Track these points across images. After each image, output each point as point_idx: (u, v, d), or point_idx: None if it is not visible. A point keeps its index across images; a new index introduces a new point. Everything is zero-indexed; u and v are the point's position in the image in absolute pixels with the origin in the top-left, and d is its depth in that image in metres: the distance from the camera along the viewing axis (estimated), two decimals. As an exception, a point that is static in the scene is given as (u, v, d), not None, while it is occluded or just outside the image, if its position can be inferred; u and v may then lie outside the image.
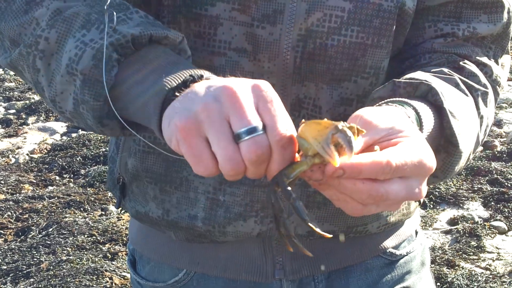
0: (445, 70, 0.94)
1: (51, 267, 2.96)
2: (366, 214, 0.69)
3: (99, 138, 4.61)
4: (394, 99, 0.83)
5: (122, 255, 3.11)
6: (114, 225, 3.41)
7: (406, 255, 1.18)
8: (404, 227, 1.17)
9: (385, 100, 0.83)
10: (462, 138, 0.85)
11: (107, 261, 3.04)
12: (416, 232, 1.22)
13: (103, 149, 4.44)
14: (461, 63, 0.97)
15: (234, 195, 1.00)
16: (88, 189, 3.91)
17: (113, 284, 2.85)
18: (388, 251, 1.15)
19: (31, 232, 3.33)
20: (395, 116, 0.74)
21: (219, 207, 1.01)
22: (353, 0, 0.91)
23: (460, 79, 0.94)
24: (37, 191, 3.86)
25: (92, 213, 3.59)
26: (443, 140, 0.86)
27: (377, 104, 0.82)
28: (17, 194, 3.80)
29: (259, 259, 1.07)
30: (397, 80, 0.87)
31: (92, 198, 3.75)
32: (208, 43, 0.94)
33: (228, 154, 0.66)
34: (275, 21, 0.92)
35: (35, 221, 3.44)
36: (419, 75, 0.89)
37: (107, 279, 2.87)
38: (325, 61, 0.93)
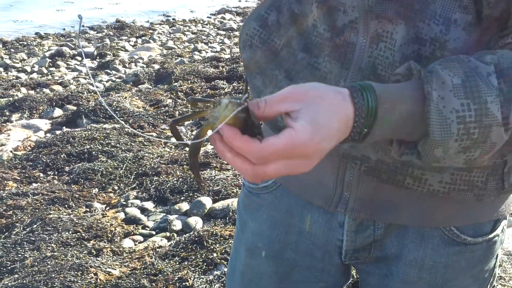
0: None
1: (36, 263, 2.95)
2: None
3: (83, 135, 4.60)
4: (379, 84, 0.89)
5: (107, 251, 3.11)
6: (99, 221, 3.40)
7: (470, 244, 1.13)
8: (479, 208, 1.11)
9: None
10: (443, 129, 0.87)
11: (92, 257, 3.04)
12: (498, 222, 1.15)
13: (87, 146, 4.42)
14: None
15: None
16: (73, 186, 3.89)
17: (98, 280, 2.84)
18: (450, 227, 1.11)
19: (15, 229, 3.31)
20: (316, 96, 0.84)
21: None
22: None
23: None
24: (21, 188, 3.84)
25: (76, 210, 3.58)
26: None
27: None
28: (1, 191, 3.78)
29: (331, 188, 1.15)
30: (412, 62, 0.93)
31: (77, 195, 3.74)
32: None
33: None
34: None
35: (19, 217, 3.42)
36: (441, 61, 0.92)
37: (92, 275, 2.86)
38: (397, 1, 0.98)
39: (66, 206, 3.62)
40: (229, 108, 0.80)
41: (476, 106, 0.87)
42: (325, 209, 1.18)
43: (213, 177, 3.94)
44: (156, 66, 6.70)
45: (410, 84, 0.91)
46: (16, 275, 2.86)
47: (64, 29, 8.61)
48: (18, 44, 7.72)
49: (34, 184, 3.93)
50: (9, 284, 2.78)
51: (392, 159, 1.05)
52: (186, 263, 3.01)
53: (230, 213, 3.52)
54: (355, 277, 1.96)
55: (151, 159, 4.26)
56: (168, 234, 3.40)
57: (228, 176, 3.97)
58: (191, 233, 3.33)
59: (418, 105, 0.88)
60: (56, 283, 2.77)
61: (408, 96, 0.89)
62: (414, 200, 1.10)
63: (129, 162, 4.20)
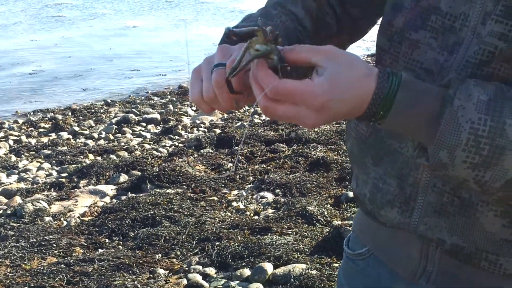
0: None
1: (101, 331, 3.00)
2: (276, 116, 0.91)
3: (147, 200, 4.71)
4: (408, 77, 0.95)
5: (170, 319, 3.14)
6: (162, 288, 3.45)
7: None
8: None
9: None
10: (452, 133, 0.90)
11: (155, 325, 3.07)
12: None
13: (151, 212, 4.52)
14: None
15: (390, 185, 1.16)
16: (137, 251, 3.97)
17: None
18: None
19: (82, 295, 3.39)
20: (344, 62, 0.91)
21: (378, 192, 1.18)
22: (507, 41, 0.97)
23: None
24: (88, 254, 3.94)
25: (140, 276, 3.64)
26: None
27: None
28: (68, 257, 3.89)
29: (416, 259, 1.18)
30: (453, 75, 1.00)
31: (141, 261, 3.81)
32: (406, 60, 1.09)
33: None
34: (452, 51, 1.03)
35: (86, 284, 3.51)
36: (478, 80, 0.95)
37: None
38: None
39: (131, 272, 3.68)
40: (266, 46, 0.90)
41: (493, 124, 0.89)
42: (410, 281, 1.21)
43: (274, 242, 3.94)
44: (217, 131, 6.85)
45: (440, 88, 0.95)
46: None
47: (129, 96, 8.94)
48: (86, 111, 8.05)
49: (100, 250, 4.03)
50: None
51: (467, 244, 1.07)
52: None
53: (292, 279, 3.50)
54: None
55: (213, 224, 4.31)
56: (229, 300, 3.41)
57: (289, 241, 3.96)
58: (253, 300, 3.32)
59: (438, 106, 0.92)
60: None
61: (432, 95, 0.93)
62: (495, 281, 1.10)
63: (192, 227, 4.26)
